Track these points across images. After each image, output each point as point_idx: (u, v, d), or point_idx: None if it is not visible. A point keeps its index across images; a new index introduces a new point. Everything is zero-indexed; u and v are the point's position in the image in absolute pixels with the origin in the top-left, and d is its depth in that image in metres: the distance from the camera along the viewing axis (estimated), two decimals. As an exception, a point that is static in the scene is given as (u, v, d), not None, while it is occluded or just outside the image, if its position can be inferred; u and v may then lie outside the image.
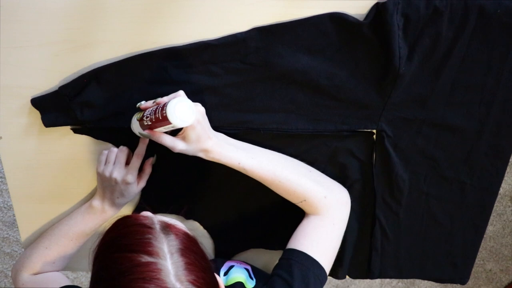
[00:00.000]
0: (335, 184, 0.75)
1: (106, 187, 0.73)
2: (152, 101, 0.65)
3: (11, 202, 1.44)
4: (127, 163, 0.73)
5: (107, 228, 0.53)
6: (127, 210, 0.82)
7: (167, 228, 0.51)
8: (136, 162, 0.72)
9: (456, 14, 0.67)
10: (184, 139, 0.65)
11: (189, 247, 0.50)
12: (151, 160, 0.75)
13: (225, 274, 0.76)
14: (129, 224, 0.52)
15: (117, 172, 0.71)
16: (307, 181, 0.70)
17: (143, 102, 0.67)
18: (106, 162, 0.73)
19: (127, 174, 0.71)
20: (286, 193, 0.70)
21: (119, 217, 0.54)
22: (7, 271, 1.71)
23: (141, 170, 0.75)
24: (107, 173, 0.71)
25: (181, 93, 0.64)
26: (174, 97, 0.62)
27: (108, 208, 0.75)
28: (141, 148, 0.73)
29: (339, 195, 0.74)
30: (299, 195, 0.69)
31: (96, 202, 0.75)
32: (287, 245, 0.70)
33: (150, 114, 0.64)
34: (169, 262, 0.47)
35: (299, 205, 0.71)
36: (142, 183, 0.75)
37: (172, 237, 0.50)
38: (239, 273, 0.75)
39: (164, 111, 0.60)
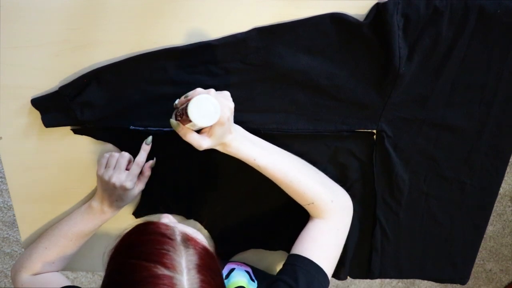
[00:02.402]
0: (339, 188, 0.75)
1: (105, 190, 0.73)
2: (184, 96, 0.62)
3: (11, 202, 1.44)
4: (128, 168, 0.73)
5: (127, 230, 0.52)
6: (129, 209, 0.82)
7: (187, 241, 0.50)
8: (136, 169, 0.73)
9: (456, 14, 0.67)
10: (210, 135, 0.63)
11: (207, 263, 0.49)
12: (150, 163, 0.75)
13: (226, 277, 0.76)
14: (150, 232, 0.50)
15: (116, 177, 0.71)
16: (316, 184, 0.70)
17: (177, 101, 0.64)
18: (106, 166, 0.73)
19: (126, 180, 0.71)
20: (296, 194, 0.70)
21: (141, 222, 0.52)
22: (7, 271, 1.71)
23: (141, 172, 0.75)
24: (106, 177, 0.71)
25: (210, 91, 0.61)
26: (200, 94, 0.60)
27: (107, 209, 0.75)
28: (142, 156, 0.73)
29: (344, 200, 0.73)
30: (308, 198, 0.69)
31: (96, 203, 0.75)
32: (292, 249, 0.70)
33: (179, 112, 0.61)
34: (185, 278, 0.46)
35: (306, 207, 0.71)
36: (141, 186, 0.75)
37: (192, 251, 0.49)
38: (240, 277, 0.75)
39: (186, 109, 0.58)
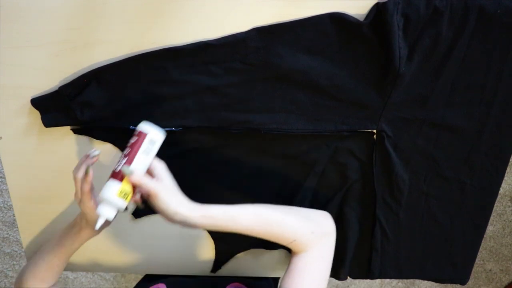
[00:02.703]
0: (318, 214, 0.72)
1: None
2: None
3: (11, 202, 1.44)
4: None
5: None
6: (126, 213, 0.82)
7: None
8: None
9: (456, 14, 0.67)
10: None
11: None
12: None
13: None
14: None
15: (82, 206, 0.68)
16: (293, 219, 0.68)
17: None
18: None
19: (91, 213, 0.68)
20: (276, 238, 0.68)
21: None
22: (7, 271, 1.71)
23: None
24: (77, 201, 0.68)
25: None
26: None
27: (90, 229, 0.72)
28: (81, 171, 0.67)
29: (325, 226, 0.71)
30: (289, 236, 0.67)
31: (78, 222, 0.73)
32: (280, 283, 0.68)
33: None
34: None
35: (289, 246, 0.69)
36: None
37: None
38: None
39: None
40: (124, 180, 0.59)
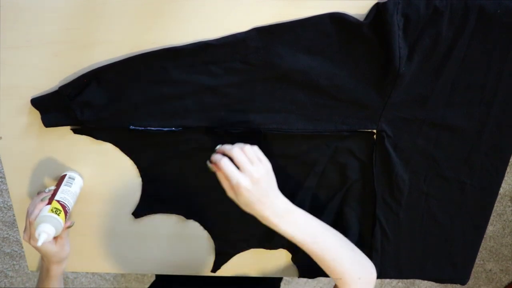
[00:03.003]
0: (368, 262, 0.75)
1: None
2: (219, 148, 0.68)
3: (11, 202, 1.44)
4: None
5: None
6: (129, 209, 0.82)
7: None
8: (29, 227, 0.71)
9: (456, 14, 0.67)
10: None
11: None
12: (68, 224, 0.73)
13: None
14: None
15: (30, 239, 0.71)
16: (348, 262, 0.70)
17: (218, 146, 0.69)
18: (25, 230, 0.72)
19: (31, 240, 0.71)
20: (327, 269, 0.71)
21: None
22: (7, 271, 1.71)
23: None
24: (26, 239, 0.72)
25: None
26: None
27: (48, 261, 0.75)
28: (34, 214, 0.71)
29: (371, 275, 0.74)
30: (338, 274, 0.70)
31: (41, 261, 0.77)
32: None
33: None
34: None
35: (334, 280, 0.72)
36: (59, 247, 0.74)
37: None
38: None
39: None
40: (53, 202, 0.70)
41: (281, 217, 0.66)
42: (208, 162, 0.68)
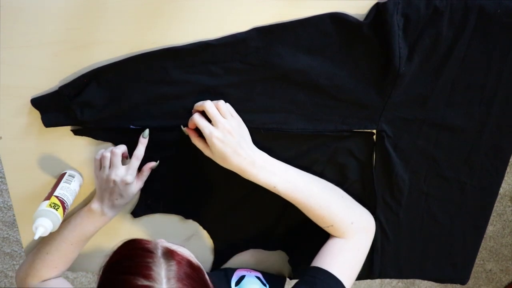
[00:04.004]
0: (364, 210, 0.75)
1: (105, 190, 0.73)
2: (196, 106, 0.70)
3: (11, 202, 1.44)
4: (123, 161, 0.73)
5: (114, 249, 0.56)
6: (129, 209, 0.82)
7: (169, 253, 0.53)
8: (135, 163, 0.72)
9: (456, 14, 0.67)
10: (211, 150, 0.68)
11: (189, 274, 0.52)
12: (152, 165, 0.75)
13: (237, 284, 0.76)
14: (133, 247, 0.54)
15: (115, 174, 0.71)
16: (337, 207, 0.71)
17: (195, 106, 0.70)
18: (101, 167, 0.73)
19: (126, 174, 0.71)
20: (315, 218, 0.71)
21: (126, 240, 0.56)
22: (7, 271, 1.71)
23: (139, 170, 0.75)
24: (104, 176, 0.72)
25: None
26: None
27: (108, 211, 0.74)
28: (140, 150, 0.72)
29: (366, 222, 0.74)
30: (327, 221, 0.70)
31: (95, 205, 0.75)
32: (312, 262, 0.71)
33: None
34: (164, 287, 0.49)
35: (326, 229, 0.72)
36: (140, 184, 0.75)
37: (173, 263, 0.52)
38: (251, 283, 0.76)
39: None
40: (52, 197, 0.71)
41: (260, 167, 0.68)
42: (182, 126, 0.70)
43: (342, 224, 0.70)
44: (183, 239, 0.86)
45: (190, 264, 0.54)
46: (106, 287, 0.52)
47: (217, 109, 0.67)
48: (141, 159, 0.73)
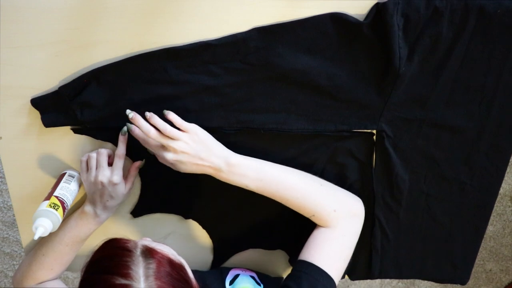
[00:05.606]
0: (348, 195, 0.75)
1: (95, 192, 0.73)
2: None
3: (11, 202, 1.44)
4: (110, 164, 0.73)
5: (95, 249, 0.57)
6: (129, 209, 0.82)
7: (148, 252, 0.54)
8: (118, 162, 0.72)
9: (456, 14, 0.67)
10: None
11: (169, 272, 0.53)
12: (138, 164, 0.75)
13: (231, 283, 0.76)
14: (112, 247, 0.55)
15: (102, 175, 0.71)
16: (316, 196, 0.70)
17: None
18: (88, 169, 0.73)
19: (112, 175, 0.71)
20: (296, 209, 0.71)
21: (106, 240, 0.57)
22: (7, 271, 1.71)
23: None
24: (92, 178, 0.72)
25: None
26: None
27: (101, 212, 0.74)
28: (121, 148, 0.72)
29: (352, 207, 0.73)
30: (309, 211, 0.70)
31: (88, 208, 0.75)
32: (299, 255, 0.71)
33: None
34: (142, 285, 0.49)
35: (311, 219, 0.72)
36: (129, 184, 0.75)
37: (152, 261, 0.53)
38: (245, 282, 0.76)
39: None
40: (52, 197, 0.71)
41: (228, 172, 0.68)
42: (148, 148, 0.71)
43: (324, 212, 0.70)
44: (184, 239, 0.86)
45: (170, 262, 0.55)
46: (86, 287, 0.53)
47: (165, 129, 0.66)
48: (123, 158, 0.73)
